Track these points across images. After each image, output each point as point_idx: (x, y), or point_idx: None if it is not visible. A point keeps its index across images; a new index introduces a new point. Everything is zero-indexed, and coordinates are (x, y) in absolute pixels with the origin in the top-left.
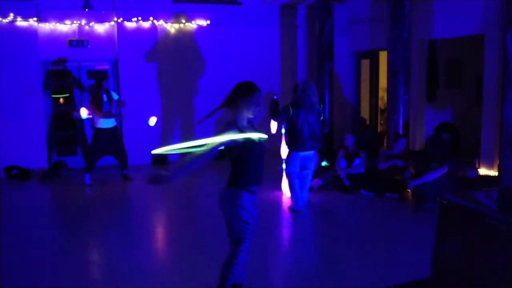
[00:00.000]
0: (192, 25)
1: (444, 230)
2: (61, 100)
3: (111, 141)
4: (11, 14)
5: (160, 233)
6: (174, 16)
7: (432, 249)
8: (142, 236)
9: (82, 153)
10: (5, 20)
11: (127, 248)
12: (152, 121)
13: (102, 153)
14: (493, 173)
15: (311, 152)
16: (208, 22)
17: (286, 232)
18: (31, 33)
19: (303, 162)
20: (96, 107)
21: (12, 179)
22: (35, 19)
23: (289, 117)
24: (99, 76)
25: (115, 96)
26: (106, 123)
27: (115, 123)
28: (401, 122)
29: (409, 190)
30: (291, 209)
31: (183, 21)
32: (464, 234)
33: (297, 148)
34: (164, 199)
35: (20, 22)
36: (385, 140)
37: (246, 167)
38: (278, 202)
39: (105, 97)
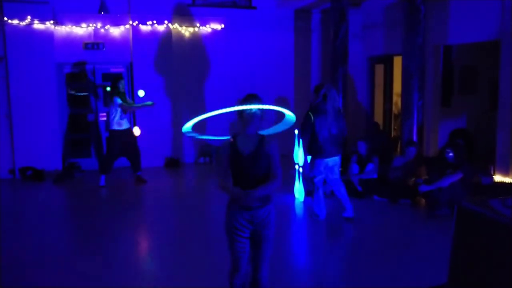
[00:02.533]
0: (207, 29)
1: (461, 237)
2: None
3: (125, 143)
4: (29, 17)
5: (172, 235)
6: (188, 19)
7: (449, 255)
8: (154, 238)
9: (97, 155)
10: (23, 23)
11: (138, 249)
12: (141, 93)
13: (118, 155)
14: (509, 180)
15: (336, 158)
16: (223, 26)
17: (298, 236)
18: (47, 36)
19: (329, 168)
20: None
21: (27, 180)
22: (51, 22)
23: (312, 126)
24: (114, 78)
25: (118, 101)
26: (119, 125)
27: (128, 125)
28: (415, 128)
29: (421, 195)
30: (311, 217)
31: (198, 24)
32: (480, 241)
33: (322, 155)
34: (176, 201)
35: (37, 25)
36: (398, 146)
37: None
38: (291, 206)
39: (118, 99)
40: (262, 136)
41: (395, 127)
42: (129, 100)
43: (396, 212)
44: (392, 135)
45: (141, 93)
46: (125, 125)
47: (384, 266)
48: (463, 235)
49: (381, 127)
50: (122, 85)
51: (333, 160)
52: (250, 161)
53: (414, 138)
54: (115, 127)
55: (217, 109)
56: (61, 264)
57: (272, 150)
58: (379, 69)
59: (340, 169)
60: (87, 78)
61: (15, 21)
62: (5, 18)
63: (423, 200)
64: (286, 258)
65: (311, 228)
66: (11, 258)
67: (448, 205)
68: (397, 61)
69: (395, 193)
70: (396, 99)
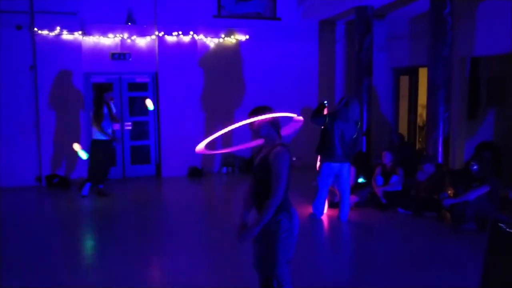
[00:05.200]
0: (232, 40)
1: (494, 253)
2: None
3: (106, 153)
4: (58, 28)
5: (193, 245)
6: (213, 30)
7: (482, 270)
8: (177, 246)
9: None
10: (52, 34)
11: (156, 259)
12: (149, 104)
13: (102, 164)
14: None
15: (344, 164)
16: (247, 37)
17: (321, 248)
18: (75, 46)
19: (336, 173)
20: (96, 119)
21: (53, 187)
22: (79, 32)
23: (325, 125)
24: (101, 88)
25: (114, 110)
26: (102, 135)
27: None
28: (440, 140)
29: (446, 209)
30: (309, 216)
31: (223, 35)
32: None
33: (327, 158)
34: (200, 210)
35: (66, 35)
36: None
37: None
38: (314, 217)
39: (105, 110)
40: (273, 146)
41: (420, 139)
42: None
43: (421, 225)
44: (417, 147)
45: (149, 104)
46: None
47: (408, 279)
48: (497, 251)
49: (405, 139)
50: (108, 96)
51: (341, 166)
52: (255, 174)
53: (440, 150)
54: (97, 137)
55: (241, 119)
56: (85, 266)
57: (274, 161)
58: (404, 81)
59: (350, 177)
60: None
61: (45, 32)
62: (35, 29)
63: (448, 214)
64: (306, 269)
65: (334, 240)
66: (32, 261)
67: (474, 219)
68: (422, 73)
69: (419, 206)
70: (421, 111)
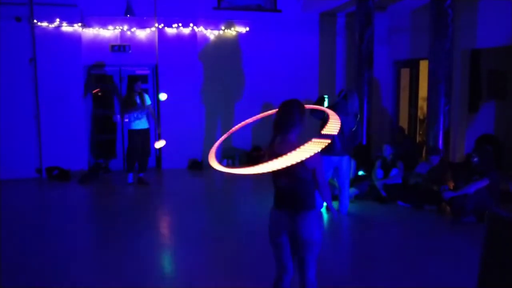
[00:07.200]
0: (232, 32)
1: (492, 244)
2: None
3: (142, 142)
4: (57, 20)
5: (194, 237)
6: (214, 22)
7: (479, 263)
8: (179, 238)
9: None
10: (52, 26)
11: (157, 251)
12: (163, 96)
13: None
14: None
15: (343, 157)
16: (248, 29)
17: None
18: (75, 38)
19: (336, 166)
20: (129, 108)
21: (53, 179)
22: (79, 24)
23: (324, 119)
24: (131, 79)
25: (148, 101)
26: (139, 125)
27: (147, 126)
28: (441, 133)
29: (446, 202)
30: None
31: (223, 27)
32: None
33: (326, 151)
34: (201, 202)
35: (66, 28)
36: (423, 151)
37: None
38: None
39: (138, 99)
40: None
41: (421, 132)
42: (148, 101)
43: (421, 218)
44: (417, 140)
45: (162, 96)
46: (143, 125)
47: (407, 272)
48: (495, 242)
49: (406, 132)
50: (138, 87)
51: (340, 159)
52: None
53: (440, 143)
54: (134, 126)
55: (240, 112)
56: (86, 260)
57: None
58: (405, 73)
59: (350, 169)
60: (112, 81)
61: (45, 24)
62: (35, 21)
63: (448, 207)
64: None
65: (333, 233)
66: (32, 255)
67: (474, 212)
68: (423, 65)
69: (419, 198)
70: (422, 104)
